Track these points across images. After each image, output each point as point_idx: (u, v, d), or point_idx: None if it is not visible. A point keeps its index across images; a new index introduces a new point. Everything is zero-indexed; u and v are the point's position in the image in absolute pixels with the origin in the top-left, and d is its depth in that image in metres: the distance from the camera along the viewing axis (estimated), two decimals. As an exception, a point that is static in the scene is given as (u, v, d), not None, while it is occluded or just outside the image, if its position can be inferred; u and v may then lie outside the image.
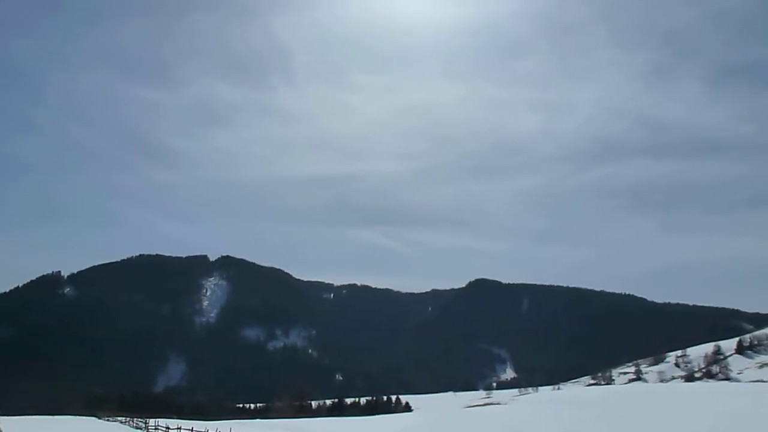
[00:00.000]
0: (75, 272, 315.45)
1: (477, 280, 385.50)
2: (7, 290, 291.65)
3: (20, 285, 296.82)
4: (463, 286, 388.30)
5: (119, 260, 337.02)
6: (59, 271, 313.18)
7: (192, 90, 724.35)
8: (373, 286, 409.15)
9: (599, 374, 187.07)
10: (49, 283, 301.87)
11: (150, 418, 55.72)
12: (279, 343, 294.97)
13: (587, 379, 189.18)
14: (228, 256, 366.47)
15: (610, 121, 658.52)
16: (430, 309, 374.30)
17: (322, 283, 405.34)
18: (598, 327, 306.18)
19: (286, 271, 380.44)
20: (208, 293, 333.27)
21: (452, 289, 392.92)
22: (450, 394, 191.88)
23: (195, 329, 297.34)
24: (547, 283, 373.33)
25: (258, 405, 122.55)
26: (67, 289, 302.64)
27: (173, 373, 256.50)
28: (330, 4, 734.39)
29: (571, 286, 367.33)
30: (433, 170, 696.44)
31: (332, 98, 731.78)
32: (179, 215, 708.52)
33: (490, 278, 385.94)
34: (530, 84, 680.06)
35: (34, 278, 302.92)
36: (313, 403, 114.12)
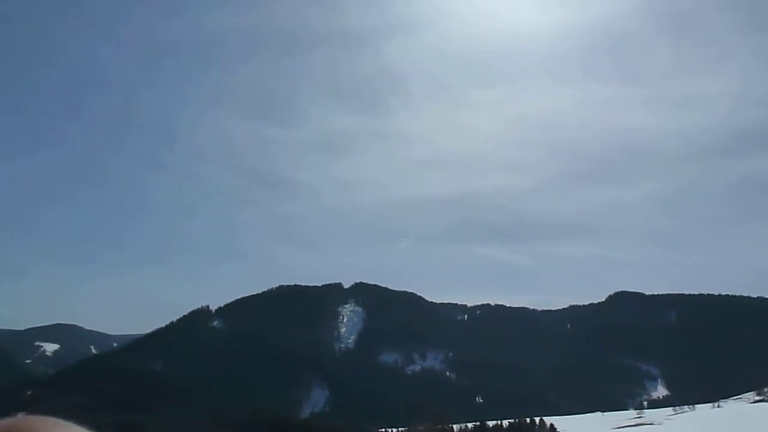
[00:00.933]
0: (222, 305, 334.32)
1: (617, 293, 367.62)
2: (163, 325, 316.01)
3: (174, 320, 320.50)
4: (603, 300, 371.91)
5: (261, 292, 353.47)
6: (208, 305, 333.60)
7: (307, 122, 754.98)
8: (508, 305, 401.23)
9: (766, 390, 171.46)
10: (199, 316, 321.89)
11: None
12: (416, 367, 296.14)
13: (752, 395, 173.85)
14: (361, 283, 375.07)
15: (746, 113, 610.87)
16: (569, 326, 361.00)
17: (456, 304, 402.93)
18: (760, 337, 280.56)
19: (418, 294, 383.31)
20: (344, 320, 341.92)
21: (591, 304, 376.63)
22: (597, 414, 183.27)
23: (335, 355, 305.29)
24: (696, 292, 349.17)
25: (399, 429, 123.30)
26: (215, 322, 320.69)
27: (317, 399, 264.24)
28: (435, 23, 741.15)
29: (723, 293, 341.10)
30: (554, 180, 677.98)
31: (446, 117, 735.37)
32: (308, 245, 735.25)
33: (632, 290, 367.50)
34: (647, 81, 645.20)
35: (186, 313, 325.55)
36: (455, 427, 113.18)
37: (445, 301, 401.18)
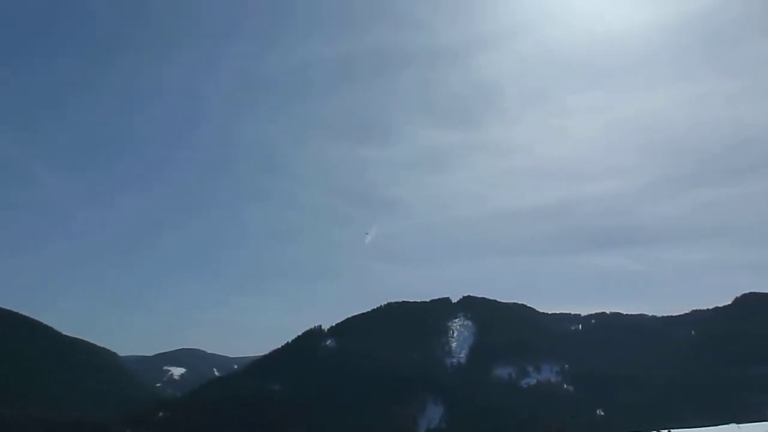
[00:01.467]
0: (333, 325, 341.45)
1: (744, 295, 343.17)
2: (279, 346, 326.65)
3: (290, 340, 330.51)
4: (729, 303, 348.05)
5: (370, 310, 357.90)
6: (320, 325, 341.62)
7: (402, 140, 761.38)
8: (624, 313, 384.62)
9: None
10: (313, 336, 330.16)
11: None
12: (531, 380, 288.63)
13: None
14: (469, 296, 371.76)
15: None
16: (693, 332, 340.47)
17: (568, 314, 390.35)
18: None
19: (528, 305, 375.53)
20: (455, 334, 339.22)
21: (716, 308, 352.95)
22: (732, 426, 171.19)
23: (447, 371, 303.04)
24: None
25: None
26: (328, 341, 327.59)
27: (432, 416, 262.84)
28: (528, 31, 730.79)
29: None
30: (662, 182, 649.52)
31: (542, 125, 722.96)
32: (410, 261, 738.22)
33: (762, 291, 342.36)
34: (743, 72, 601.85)
35: (300, 333, 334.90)
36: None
37: (558, 312, 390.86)
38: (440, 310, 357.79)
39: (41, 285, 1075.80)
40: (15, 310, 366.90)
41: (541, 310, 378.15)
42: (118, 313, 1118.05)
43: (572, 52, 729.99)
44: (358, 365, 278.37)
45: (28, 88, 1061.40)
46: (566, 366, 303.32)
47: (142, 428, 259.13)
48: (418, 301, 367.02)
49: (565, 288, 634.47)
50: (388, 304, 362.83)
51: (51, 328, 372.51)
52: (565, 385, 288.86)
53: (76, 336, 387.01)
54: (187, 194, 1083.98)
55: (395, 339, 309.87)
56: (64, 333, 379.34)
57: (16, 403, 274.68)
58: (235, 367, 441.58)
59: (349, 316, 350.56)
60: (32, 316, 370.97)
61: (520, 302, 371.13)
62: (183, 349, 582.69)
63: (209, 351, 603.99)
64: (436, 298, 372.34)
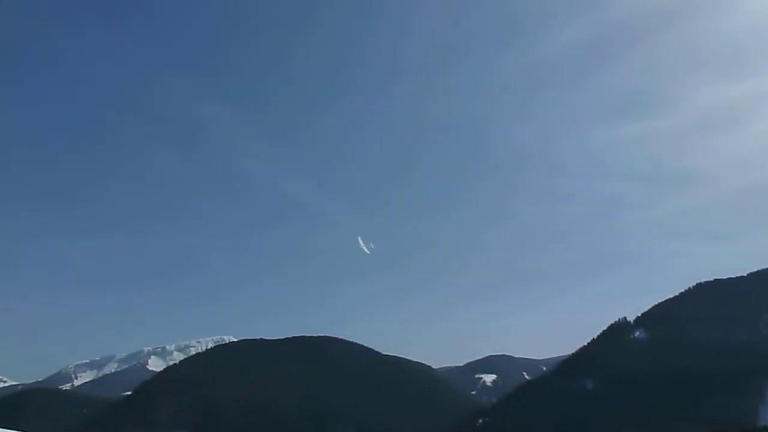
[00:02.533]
0: (640, 314, 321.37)
1: None
2: (585, 343, 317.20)
3: (594, 336, 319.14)
4: None
5: (678, 294, 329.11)
6: (625, 317, 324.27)
7: (680, 104, 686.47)
8: None
9: None
10: (618, 329, 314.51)
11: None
12: None
13: None
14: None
15: None
16: None
17: None
18: None
19: None
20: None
21: None
22: None
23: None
24: None
25: None
26: (636, 333, 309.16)
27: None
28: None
29: None
30: None
31: None
32: (715, 234, 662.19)
33: None
34: None
35: (605, 327, 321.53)
36: None
37: None
38: (762, 284, 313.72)
39: (355, 313, 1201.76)
40: (342, 337, 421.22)
41: None
42: (427, 329, 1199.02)
43: None
44: (673, 355, 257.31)
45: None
46: None
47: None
48: (734, 276, 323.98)
49: None
50: (698, 284, 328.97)
51: (372, 350, 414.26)
52: None
53: (394, 354, 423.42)
54: (486, 207, 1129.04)
55: (710, 322, 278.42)
56: (383, 353, 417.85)
57: (352, 420, 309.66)
58: (544, 368, 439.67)
59: (655, 303, 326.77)
60: (356, 341, 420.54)
61: None
62: (491, 356, 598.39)
63: (516, 355, 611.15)
64: (755, 270, 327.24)
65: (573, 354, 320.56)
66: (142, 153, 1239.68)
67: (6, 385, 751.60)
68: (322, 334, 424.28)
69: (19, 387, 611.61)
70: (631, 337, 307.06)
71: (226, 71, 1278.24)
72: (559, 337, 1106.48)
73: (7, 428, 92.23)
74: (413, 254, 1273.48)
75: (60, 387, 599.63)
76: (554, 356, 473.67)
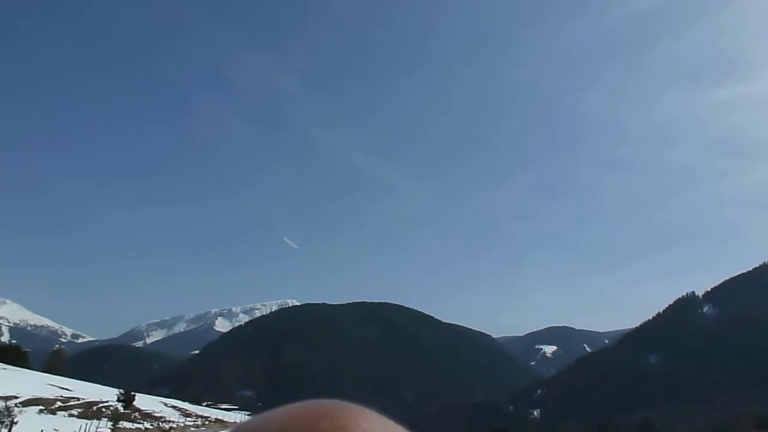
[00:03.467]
0: (709, 289, 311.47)
1: None
2: (650, 317, 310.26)
3: (660, 310, 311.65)
4: None
5: (751, 269, 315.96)
6: (693, 291, 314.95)
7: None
8: None
9: None
10: (686, 304, 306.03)
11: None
12: None
13: None
14: None
15: None
16: None
17: None
18: None
19: None
20: None
21: None
22: None
23: None
24: None
25: None
26: (705, 308, 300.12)
27: None
28: None
29: None
30: None
31: None
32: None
33: None
34: None
35: (671, 302, 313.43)
36: None
37: None
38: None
39: (416, 280, 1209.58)
40: (402, 304, 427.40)
41: None
42: (488, 298, 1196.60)
43: None
44: (742, 331, 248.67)
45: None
46: None
47: (525, 405, 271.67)
48: None
49: None
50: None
51: (432, 317, 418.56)
52: None
53: (454, 322, 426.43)
54: (544, 180, 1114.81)
55: None
56: (444, 321, 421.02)
57: (410, 388, 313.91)
58: (606, 341, 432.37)
59: (727, 278, 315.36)
60: (421, 310, 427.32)
61: None
62: (552, 327, 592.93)
63: (578, 327, 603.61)
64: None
65: (637, 328, 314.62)
66: (222, 125, 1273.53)
67: (84, 340, 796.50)
68: (383, 301, 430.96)
69: (96, 343, 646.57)
70: (699, 312, 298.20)
71: (303, 48, 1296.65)
72: (623, 311, 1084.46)
73: (85, 381, 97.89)
74: (476, 224, 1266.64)
75: (133, 344, 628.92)
76: (617, 329, 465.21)
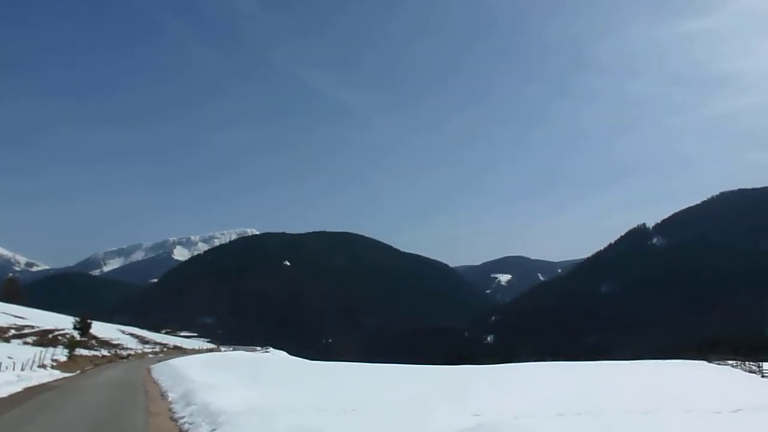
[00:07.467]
0: (659, 222, 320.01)
1: None
2: (602, 248, 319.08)
3: (612, 241, 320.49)
4: None
5: (699, 202, 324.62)
6: (644, 223, 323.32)
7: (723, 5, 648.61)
8: None
9: None
10: (637, 235, 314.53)
11: (763, 361, 52.26)
12: None
13: None
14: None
15: None
16: None
17: None
18: None
19: None
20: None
21: None
22: None
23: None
24: None
25: None
26: (655, 239, 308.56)
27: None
28: None
29: None
30: None
31: None
32: (757, 144, 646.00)
33: None
34: None
35: (623, 233, 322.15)
36: None
37: None
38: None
39: (374, 210, 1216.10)
40: (362, 234, 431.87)
41: None
42: (444, 229, 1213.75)
43: None
44: (690, 262, 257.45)
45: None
46: None
47: (480, 331, 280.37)
48: (758, 187, 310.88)
49: None
50: (720, 194, 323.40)
51: (391, 246, 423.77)
52: None
53: (413, 252, 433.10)
54: (474, 89, 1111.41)
55: (731, 232, 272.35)
56: (402, 250, 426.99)
57: (375, 314, 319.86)
58: (559, 271, 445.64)
59: (676, 211, 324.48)
60: (380, 239, 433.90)
61: None
62: (507, 257, 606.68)
63: (532, 257, 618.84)
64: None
65: (589, 257, 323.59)
66: (182, 48, 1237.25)
67: (39, 269, 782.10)
68: (343, 231, 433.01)
69: (51, 272, 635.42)
70: (650, 243, 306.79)
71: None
72: (576, 241, 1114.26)
73: (41, 309, 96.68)
74: (430, 154, 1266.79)
75: (90, 272, 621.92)
76: (570, 259, 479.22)
